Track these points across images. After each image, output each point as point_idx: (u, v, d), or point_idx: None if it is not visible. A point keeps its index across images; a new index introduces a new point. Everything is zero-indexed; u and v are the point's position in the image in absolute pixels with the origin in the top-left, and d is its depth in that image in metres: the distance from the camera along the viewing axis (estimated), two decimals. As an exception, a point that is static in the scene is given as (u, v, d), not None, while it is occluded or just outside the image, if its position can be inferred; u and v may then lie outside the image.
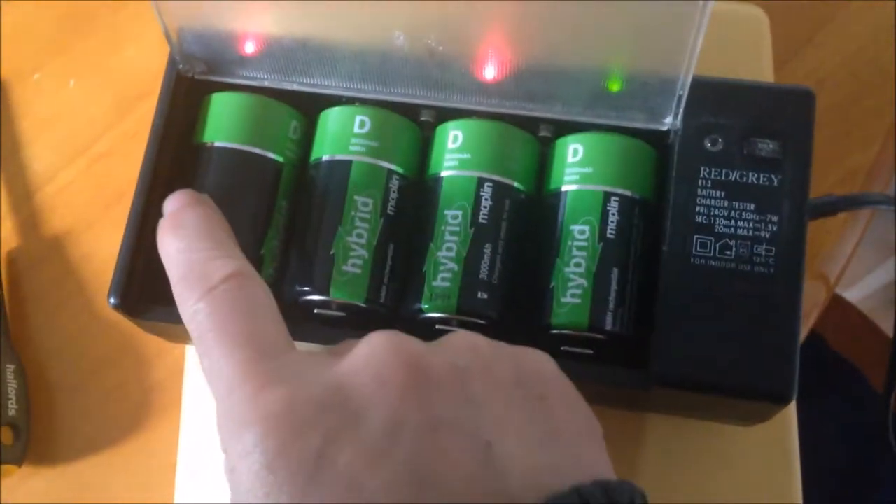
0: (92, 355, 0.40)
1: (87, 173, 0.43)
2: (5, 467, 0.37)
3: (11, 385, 0.38)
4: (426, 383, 0.21)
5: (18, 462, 0.38)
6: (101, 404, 0.40)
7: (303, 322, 0.31)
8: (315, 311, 0.31)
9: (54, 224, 0.42)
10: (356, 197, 0.30)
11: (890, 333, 0.42)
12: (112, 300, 0.30)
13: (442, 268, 0.30)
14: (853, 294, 0.59)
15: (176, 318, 0.31)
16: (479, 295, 0.30)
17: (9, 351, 0.39)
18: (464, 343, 0.23)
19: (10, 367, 0.39)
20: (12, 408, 0.38)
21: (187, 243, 0.25)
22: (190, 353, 0.38)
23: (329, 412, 0.20)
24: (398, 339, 0.22)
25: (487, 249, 0.30)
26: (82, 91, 0.44)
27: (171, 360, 0.40)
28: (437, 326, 0.30)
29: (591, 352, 0.30)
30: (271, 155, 0.31)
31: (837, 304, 0.54)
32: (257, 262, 0.31)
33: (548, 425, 0.22)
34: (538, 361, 0.24)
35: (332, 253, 0.30)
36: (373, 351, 0.22)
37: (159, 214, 0.31)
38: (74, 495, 0.39)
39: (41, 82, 0.44)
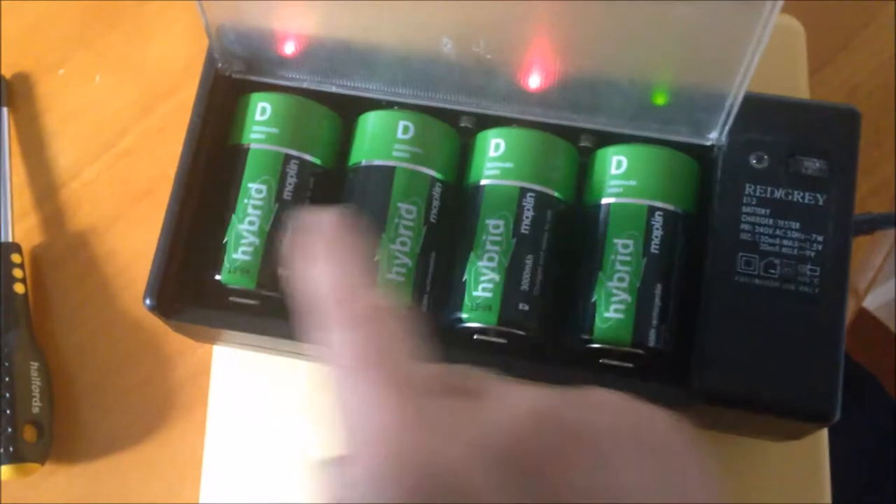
0: (115, 353, 0.40)
1: (112, 169, 0.42)
2: (29, 465, 0.37)
3: (36, 383, 0.38)
4: (579, 453, 0.20)
5: (42, 460, 0.38)
6: (124, 402, 0.40)
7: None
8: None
9: (78, 220, 0.42)
10: (400, 204, 0.30)
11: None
12: (148, 302, 0.30)
13: (483, 278, 0.30)
14: (870, 302, 0.59)
15: (209, 320, 0.31)
16: (521, 306, 0.30)
17: (33, 348, 0.39)
18: (606, 403, 0.22)
19: (35, 365, 0.38)
20: (36, 405, 0.38)
21: (339, 267, 0.23)
22: (217, 353, 0.38)
23: (484, 477, 0.19)
24: (546, 400, 0.21)
25: (529, 260, 0.30)
26: (108, 86, 0.43)
27: (195, 359, 0.40)
28: (475, 336, 0.30)
29: (630, 365, 0.30)
30: (308, 157, 0.31)
31: (861, 316, 0.54)
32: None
33: (682, 495, 0.21)
34: (672, 426, 0.23)
35: (375, 260, 0.30)
36: (522, 409, 0.21)
37: (192, 213, 0.31)
38: (97, 493, 0.39)
39: (67, 77, 0.44)
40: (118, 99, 0.43)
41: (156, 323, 0.32)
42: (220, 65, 0.32)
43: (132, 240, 0.41)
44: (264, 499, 0.36)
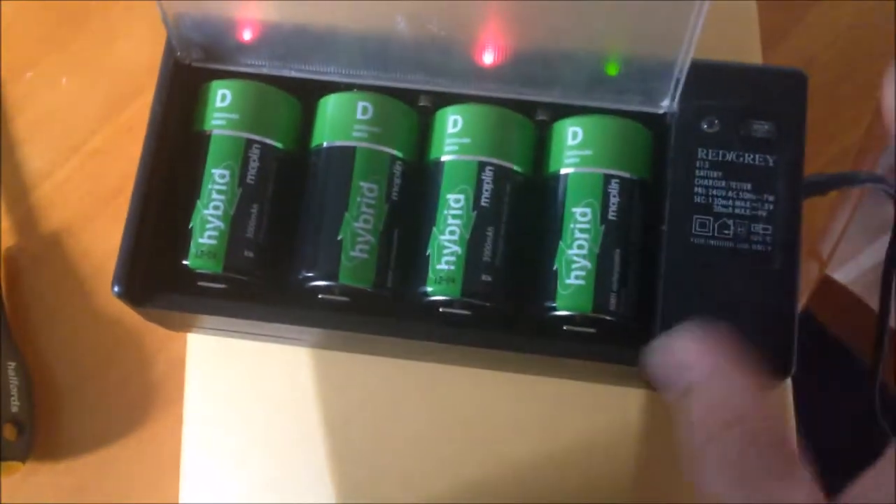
0: (93, 351, 0.40)
1: (83, 170, 0.43)
2: (9, 464, 0.38)
3: (13, 382, 0.38)
4: None
5: (22, 458, 0.38)
6: (104, 400, 0.40)
7: (307, 307, 0.31)
8: (319, 296, 0.31)
9: (52, 221, 0.42)
10: (361, 183, 0.31)
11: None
12: (116, 289, 0.30)
13: (445, 251, 0.30)
14: (843, 275, 0.60)
15: (178, 306, 0.32)
16: (483, 277, 0.30)
17: (10, 348, 0.39)
18: None
19: (12, 365, 0.39)
20: (15, 404, 0.38)
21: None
22: (191, 344, 0.38)
23: None
24: None
25: (490, 232, 0.30)
26: (75, 89, 0.44)
27: (173, 354, 0.40)
28: (441, 309, 0.31)
29: (593, 331, 0.30)
30: (271, 142, 0.32)
31: (828, 285, 0.54)
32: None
33: None
34: None
35: (339, 238, 0.30)
36: None
37: (158, 201, 0.31)
38: (78, 491, 0.39)
39: (34, 81, 0.44)
40: (86, 100, 0.43)
41: (134, 319, 0.32)
42: (178, 53, 0.32)
43: (107, 239, 0.41)
44: (241, 489, 0.36)
